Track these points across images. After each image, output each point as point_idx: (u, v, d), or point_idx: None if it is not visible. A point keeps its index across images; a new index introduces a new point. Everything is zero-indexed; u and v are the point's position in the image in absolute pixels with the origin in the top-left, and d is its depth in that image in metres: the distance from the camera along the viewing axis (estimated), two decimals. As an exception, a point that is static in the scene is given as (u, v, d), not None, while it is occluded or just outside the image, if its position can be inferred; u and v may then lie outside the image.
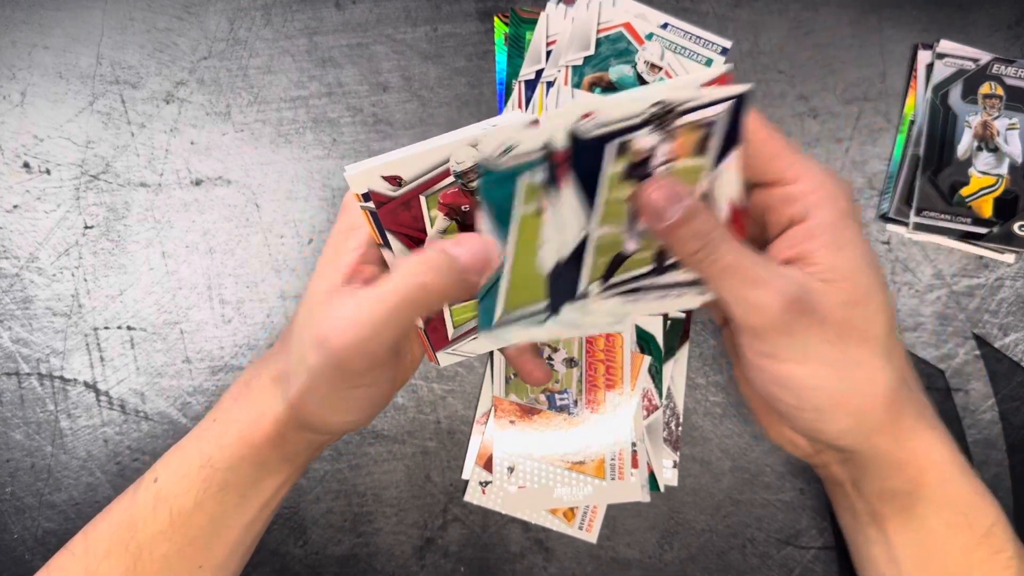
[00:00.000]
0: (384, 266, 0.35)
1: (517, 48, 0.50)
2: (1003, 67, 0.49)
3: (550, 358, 0.49)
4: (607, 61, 0.50)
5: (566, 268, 0.33)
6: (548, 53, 0.50)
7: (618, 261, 0.34)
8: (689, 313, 0.50)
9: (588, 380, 0.49)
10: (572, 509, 0.48)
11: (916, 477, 0.35)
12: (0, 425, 0.48)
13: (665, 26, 0.50)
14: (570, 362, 0.49)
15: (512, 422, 0.49)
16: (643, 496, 0.48)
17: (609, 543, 0.49)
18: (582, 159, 0.30)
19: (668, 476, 0.49)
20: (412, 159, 0.32)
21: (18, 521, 0.48)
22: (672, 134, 0.30)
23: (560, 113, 0.29)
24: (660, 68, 0.50)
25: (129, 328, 0.49)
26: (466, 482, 0.49)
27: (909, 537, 0.36)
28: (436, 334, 0.38)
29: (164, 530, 0.36)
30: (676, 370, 0.49)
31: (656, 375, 0.49)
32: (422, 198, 0.33)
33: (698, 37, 0.50)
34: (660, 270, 0.34)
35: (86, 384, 0.49)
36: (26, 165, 0.50)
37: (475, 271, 0.32)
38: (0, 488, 0.48)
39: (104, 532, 0.37)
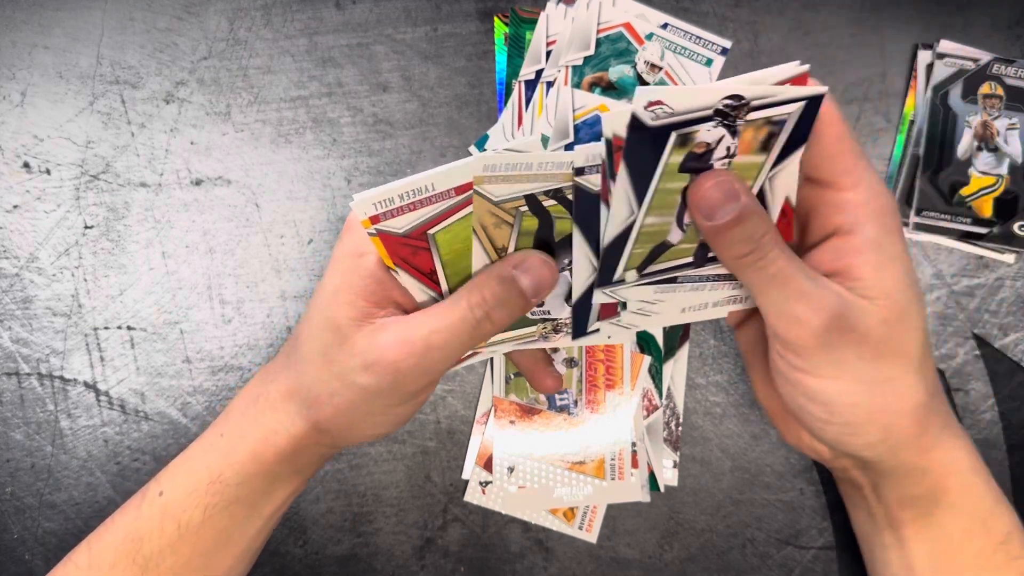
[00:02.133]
0: (403, 291, 0.35)
1: (517, 48, 0.50)
2: (1003, 67, 0.49)
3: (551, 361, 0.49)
4: (607, 61, 0.50)
5: (607, 254, 0.32)
6: (548, 53, 0.50)
7: (658, 251, 0.33)
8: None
9: (588, 380, 0.49)
10: (572, 509, 0.48)
11: (937, 484, 0.35)
12: (0, 425, 0.48)
13: (665, 26, 0.50)
14: (570, 362, 0.49)
15: (512, 422, 0.49)
16: (643, 496, 0.48)
17: (609, 543, 0.49)
18: (641, 146, 0.29)
19: (668, 476, 0.49)
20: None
21: (18, 521, 0.48)
22: (738, 129, 0.29)
23: (616, 114, 0.28)
24: (660, 68, 0.50)
25: (129, 328, 0.49)
26: (466, 482, 0.49)
27: (926, 543, 0.36)
28: None
29: (172, 543, 0.36)
30: (676, 370, 0.49)
31: (656, 375, 0.49)
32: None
33: (698, 37, 0.50)
34: (700, 262, 0.33)
35: (86, 384, 0.49)
36: (26, 165, 0.50)
37: (539, 297, 0.33)
38: (0, 488, 0.48)
39: (109, 544, 0.37)
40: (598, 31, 0.50)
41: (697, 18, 0.51)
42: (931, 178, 0.49)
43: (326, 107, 0.50)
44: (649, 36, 0.50)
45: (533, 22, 0.50)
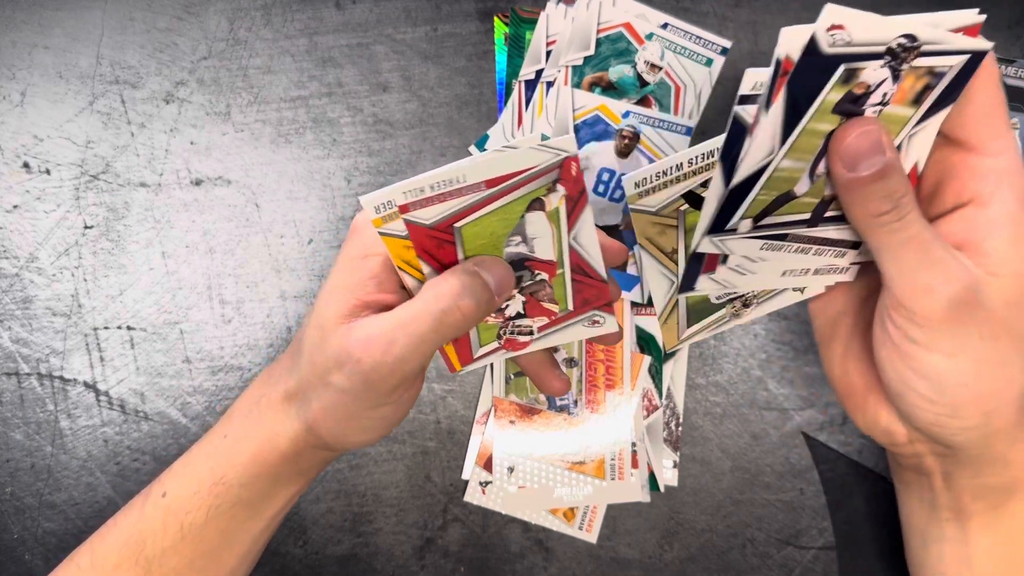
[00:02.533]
0: (402, 293, 0.34)
1: (517, 48, 0.50)
2: (1003, 67, 0.49)
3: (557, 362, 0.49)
4: (607, 61, 0.50)
5: (731, 195, 0.31)
6: (548, 53, 0.50)
7: (781, 201, 0.31)
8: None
9: (588, 380, 0.49)
10: (572, 509, 0.48)
11: (1018, 476, 0.34)
12: (0, 425, 0.48)
13: (665, 26, 0.50)
14: (570, 362, 0.49)
15: (512, 422, 0.49)
16: (643, 496, 0.48)
17: (609, 543, 0.49)
18: (808, 74, 0.27)
19: (668, 476, 0.49)
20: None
21: (18, 521, 0.48)
22: (900, 74, 0.28)
23: (799, 29, 0.26)
24: (660, 68, 0.50)
25: (129, 328, 0.49)
26: (466, 482, 0.49)
27: (991, 536, 0.35)
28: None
29: (175, 545, 0.36)
30: (676, 370, 0.49)
31: (656, 375, 0.49)
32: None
33: (698, 37, 0.50)
34: (815, 220, 0.32)
35: (86, 384, 0.49)
36: (26, 165, 0.50)
37: (501, 294, 0.33)
38: (0, 488, 0.48)
39: (112, 546, 0.37)
40: (598, 31, 0.50)
41: (697, 18, 0.51)
42: (931, 178, 0.49)
43: (326, 107, 0.50)
44: (649, 36, 0.50)
45: (533, 22, 0.50)
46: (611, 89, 0.50)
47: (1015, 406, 0.32)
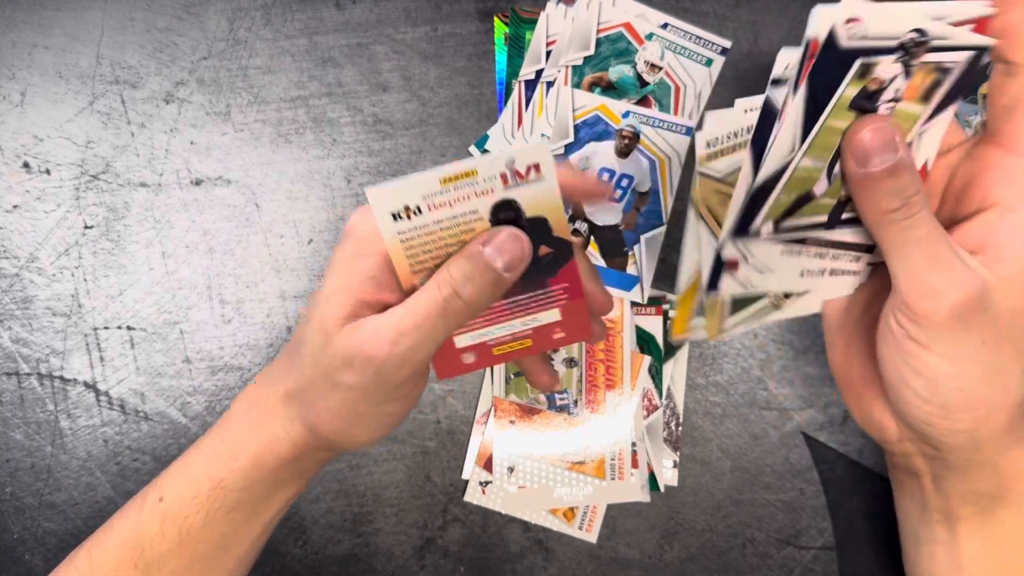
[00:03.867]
0: (401, 293, 0.34)
1: (517, 48, 0.50)
2: (1003, 67, 0.49)
3: (550, 359, 0.49)
4: (607, 61, 0.50)
5: (755, 196, 0.31)
6: (548, 53, 0.50)
7: (800, 202, 0.31)
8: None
9: (588, 380, 0.49)
10: (572, 509, 0.48)
11: (1006, 483, 0.34)
12: (0, 425, 0.48)
13: (665, 26, 0.50)
14: (570, 362, 0.49)
15: (512, 422, 0.49)
16: (643, 496, 0.48)
17: (609, 543, 0.49)
18: (827, 68, 0.28)
19: (668, 476, 0.49)
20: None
21: (18, 521, 0.48)
22: (911, 70, 0.28)
23: (829, 10, 0.26)
24: (660, 68, 0.50)
25: (129, 328, 0.49)
26: (466, 482, 0.49)
27: (980, 540, 0.35)
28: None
29: (173, 549, 0.36)
30: (676, 370, 0.49)
31: (656, 375, 0.49)
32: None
33: (698, 37, 0.50)
34: (832, 223, 0.32)
35: (86, 384, 0.49)
36: (26, 165, 0.50)
37: (512, 271, 0.32)
38: (0, 488, 0.48)
39: (110, 550, 0.36)
40: (598, 31, 0.50)
41: (697, 18, 0.51)
42: (931, 178, 0.49)
43: (326, 107, 0.50)
44: (649, 36, 0.50)
45: (533, 22, 0.50)
46: (611, 89, 0.50)
47: (1009, 413, 0.32)
